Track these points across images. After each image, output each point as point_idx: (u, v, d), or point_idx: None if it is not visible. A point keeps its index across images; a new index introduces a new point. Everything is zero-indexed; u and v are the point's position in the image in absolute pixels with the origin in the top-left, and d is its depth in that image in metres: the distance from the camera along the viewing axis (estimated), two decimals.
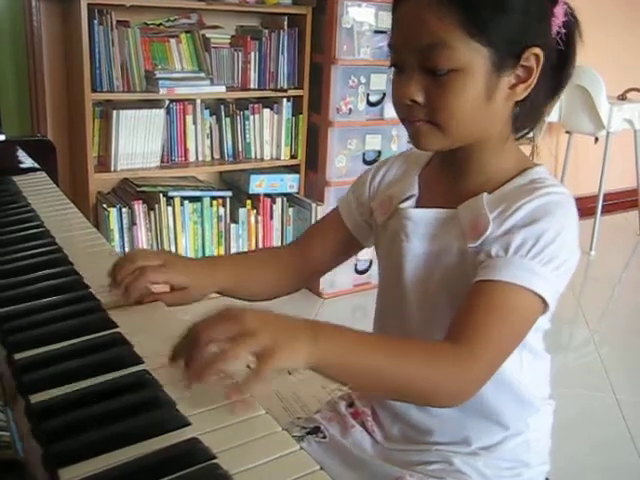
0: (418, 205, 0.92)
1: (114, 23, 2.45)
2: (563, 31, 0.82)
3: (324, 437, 0.99)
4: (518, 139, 0.90)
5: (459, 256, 0.86)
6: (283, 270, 1.05)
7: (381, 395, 1.00)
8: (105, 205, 2.59)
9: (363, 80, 2.81)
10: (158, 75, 2.53)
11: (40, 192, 1.33)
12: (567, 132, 3.84)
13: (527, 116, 0.87)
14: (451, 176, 0.91)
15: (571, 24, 0.84)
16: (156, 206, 2.66)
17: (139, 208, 2.63)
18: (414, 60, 0.80)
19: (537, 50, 0.79)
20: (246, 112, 2.82)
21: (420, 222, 0.90)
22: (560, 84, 0.87)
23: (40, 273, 0.92)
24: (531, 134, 0.92)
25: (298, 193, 2.99)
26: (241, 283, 1.00)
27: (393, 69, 0.84)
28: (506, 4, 0.77)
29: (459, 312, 0.80)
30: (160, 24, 2.63)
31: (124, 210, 2.61)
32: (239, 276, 1.00)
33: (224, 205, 2.83)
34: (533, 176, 0.86)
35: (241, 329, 0.63)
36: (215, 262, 1.05)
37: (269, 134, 2.89)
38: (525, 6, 0.78)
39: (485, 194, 0.85)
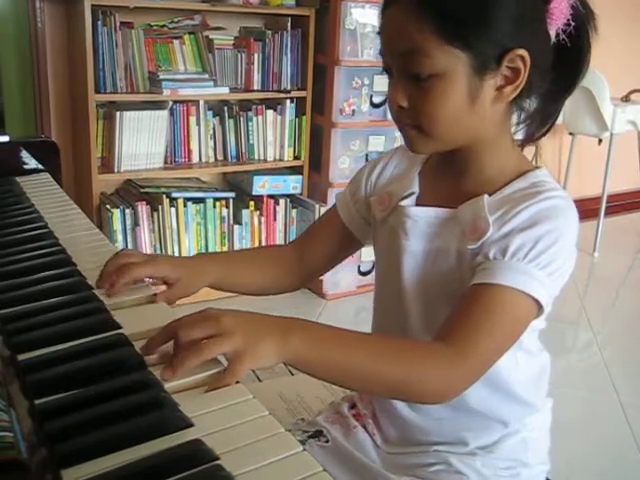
0: (418, 203, 0.92)
1: (118, 24, 2.46)
2: (572, 24, 0.80)
3: (327, 441, 0.98)
4: (528, 142, 0.90)
5: (457, 256, 0.86)
6: (282, 267, 1.05)
7: (366, 393, 1.00)
8: (108, 206, 2.60)
9: (366, 81, 2.81)
10: (161, 76, 2.54)
11: (44, 193, 1.34)
12: (570, 133, 3.83)
13: (538, 119, 0.86)
14: (451, 175, 0.90)
15: (581, 16, 0.82)
16: (159, 207, 2.67)
17: (142, 209, 2.64)
18: (398, 66, 0.81)
19: (522, 52, 0.78)
20: (249, 113, 2.82)
21: (420, 220, 0.90)
22: (572, 82, 0.85)
23: (44, 274, 0.92)
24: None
25: (301, 194, 2.99)
26: (233, 276, 1.00)
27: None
28: (481, 11, 0.76)
29: (453, 313, 0.80)
30: (164, 25, 2.64)
31: (127, 211, 2.61)
32: (231, 269, 1.00)
33: (227, 206, 2.84)
34: (534, 179, 0.85)
35: (217, 330, 0.67)
36: (205, 255, 1.06)
37: (272, 135, 2.89)
38: (503, 11, 0.76)
39: (486, 196, 0.85)
